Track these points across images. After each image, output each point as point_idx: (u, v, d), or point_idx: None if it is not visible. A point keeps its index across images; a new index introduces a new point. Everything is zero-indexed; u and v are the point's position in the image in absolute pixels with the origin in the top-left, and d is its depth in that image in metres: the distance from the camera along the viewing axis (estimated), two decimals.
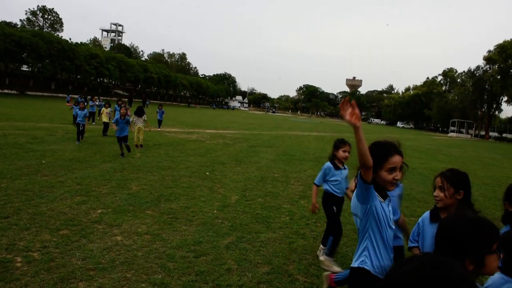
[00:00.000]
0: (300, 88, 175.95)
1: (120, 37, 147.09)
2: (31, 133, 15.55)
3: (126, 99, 45.67)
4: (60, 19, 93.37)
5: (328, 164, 5.38)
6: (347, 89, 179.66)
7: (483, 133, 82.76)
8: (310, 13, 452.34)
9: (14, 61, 60.65)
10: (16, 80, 60.41)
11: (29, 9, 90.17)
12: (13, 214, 5.97)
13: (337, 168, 5.33)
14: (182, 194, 8.22)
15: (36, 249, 4.83)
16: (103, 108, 19.94)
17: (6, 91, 55.00)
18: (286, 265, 5.05)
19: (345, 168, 5.45)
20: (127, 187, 8.40)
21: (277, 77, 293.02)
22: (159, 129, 22.82)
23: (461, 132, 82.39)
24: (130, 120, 13.78)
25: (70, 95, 49.57)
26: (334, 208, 5.40)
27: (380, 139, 2.72)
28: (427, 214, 3.15)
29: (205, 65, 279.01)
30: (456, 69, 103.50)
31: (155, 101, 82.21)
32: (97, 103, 24.83)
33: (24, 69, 70.45)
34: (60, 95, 61.39)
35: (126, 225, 6.03)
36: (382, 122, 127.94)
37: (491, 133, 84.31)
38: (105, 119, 18.52)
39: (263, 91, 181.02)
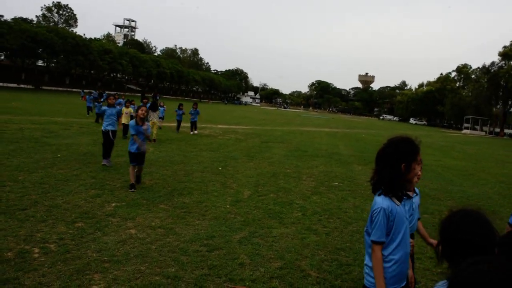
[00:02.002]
0: (312, 84, 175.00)
1: (133, 33, 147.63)
2: (47, 127, 15.77)
3: (151, 95, 40.00)
4: (75, 14, 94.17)
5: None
6: (360, 85, 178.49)
7: (497, 130, 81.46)
8: (323, 10, 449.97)
9: (30, 56, 61.38)
10: (32, 75, 61.25)
11: (44, 5, 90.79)
12: (30, 206, 6.09)
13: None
14: (195, 189, 8.28)
15: (52, 240, 4.92)
16: (123, 108, 16.23)
17: (22, 85, 55.84)
18: (299, 261, 5.07)
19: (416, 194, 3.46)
20: (141, 181, 8.48)
21: (279, 76, 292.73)
22: (193, 132, 19.46)
23: (475, 129, 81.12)
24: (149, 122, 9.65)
25: (84, 90, 50.00)
26: None
27: (402, 134, 2.70)
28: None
29: (217, 60, 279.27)
30: (470, 65, 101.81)
31: (167, 96, 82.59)
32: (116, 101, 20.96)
33: (39, 64, 71.24)
34: (74, 89, 62.06)
35: (140, 218, 6.10)
36: (395, 118, 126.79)
37: (506, 130, 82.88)
38: (125, 120, 14.88)
39: (275, 87, 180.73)
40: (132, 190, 7.72)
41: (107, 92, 25.32)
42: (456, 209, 1.92)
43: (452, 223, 1.85)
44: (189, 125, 20.26)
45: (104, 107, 9.97)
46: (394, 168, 2.53)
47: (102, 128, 10.23)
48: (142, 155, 8.30)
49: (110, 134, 10.02)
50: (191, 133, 19.46)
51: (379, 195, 2.60)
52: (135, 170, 8.14)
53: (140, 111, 8.40)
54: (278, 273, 4.64)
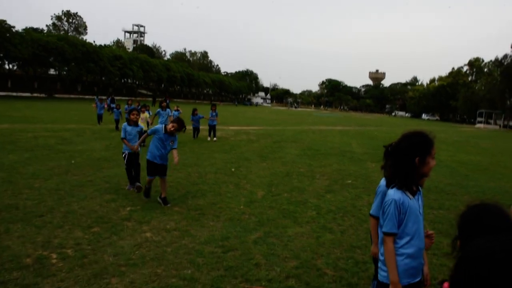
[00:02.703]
0: (323, 82, 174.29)
1: (142, 38, 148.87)
2: (60, 135, 15.94)
3: (162, 99, 34.68)
4: (84, 22, 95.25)
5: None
6: (371, 82, 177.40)
7: None
8: (330, 8, 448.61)
9: (42, 65, 62.10)
10: (44, 84, 61.91)
11: (54, 14, 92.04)
12: (47, 213, 6.16)
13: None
14: (208, 191, 8.31)
15: (69, 246, 4.97)
16: (140, 114, 13.84)
17: (35, 94, 56.50)
18: (314, 259, 5.05)
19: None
20: (154, 185, 8.48)
21: (278, 73, 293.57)
22: (215, 138, 17.75)
23: (488, 123, 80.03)
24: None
25: (97, 97, 50.38)
26: None
27: (416, 129, 2.70)
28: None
29: (227, 62, 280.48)
30: (482, 59, 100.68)
31: (178, 100, 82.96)
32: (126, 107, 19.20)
33: (51, 72, 72.10)
34: (86, 96, 62.63)
35: (154, 221, 6.14)
36: (407, 114, 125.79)
37: None
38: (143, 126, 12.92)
39: (285, 87, 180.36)
40: (147, 198, 7.48)
41: (117, 97, 24.79)
42: (473, 203, 1.89)
43: (472, 217, 1.83)
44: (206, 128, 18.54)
45: (124, 125, 8.59)
46: (408, 162, 2.54)
47: (123, 150, 8.60)
48: (162, 170, 7.38)
49: (127, 155, 8.46)
50: (209, 139, 17.65)
51: (392, 187, 2.61)
52: (161, 183, 7.37)
53: (171, 126, 7.53)
54: (294, 273, 4.63)
